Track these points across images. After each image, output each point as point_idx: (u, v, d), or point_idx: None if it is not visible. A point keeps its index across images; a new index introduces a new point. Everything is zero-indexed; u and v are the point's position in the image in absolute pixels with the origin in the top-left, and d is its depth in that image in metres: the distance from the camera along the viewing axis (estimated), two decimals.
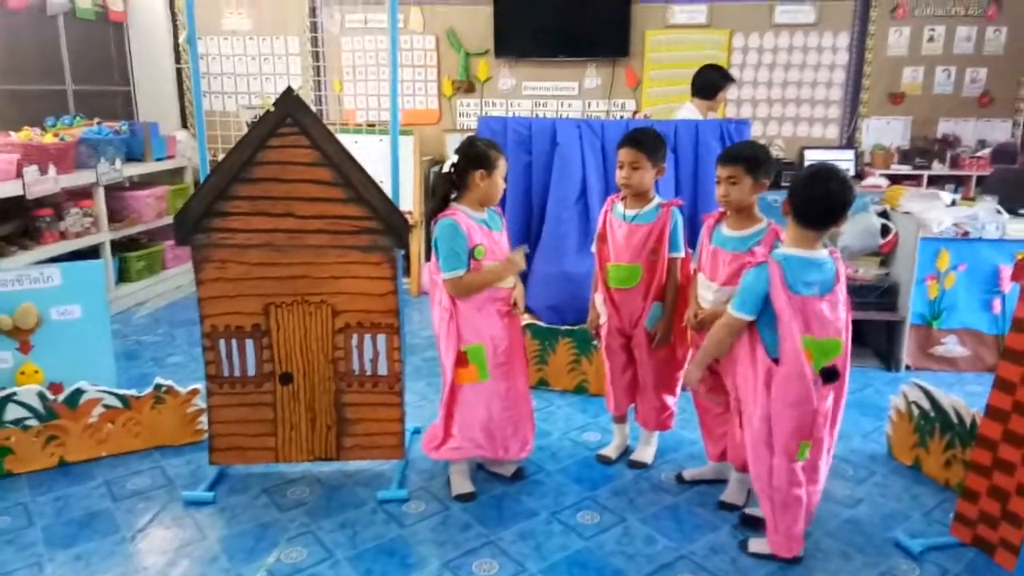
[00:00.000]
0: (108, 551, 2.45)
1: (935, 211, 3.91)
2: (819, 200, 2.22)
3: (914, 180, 5.46)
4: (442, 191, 2.70)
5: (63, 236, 4.61)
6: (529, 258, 4.09)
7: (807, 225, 2.25)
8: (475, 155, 2.64)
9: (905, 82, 5.79)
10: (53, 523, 2.60)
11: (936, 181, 5.51)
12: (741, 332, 2.33)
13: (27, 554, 2.43)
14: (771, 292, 2.20)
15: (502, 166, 2.68)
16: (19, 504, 2.71)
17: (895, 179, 5.30)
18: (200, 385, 2.96)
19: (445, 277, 2.61)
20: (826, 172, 2.27)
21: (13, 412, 2.85)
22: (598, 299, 2.96)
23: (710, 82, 4.34)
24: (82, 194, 4.80)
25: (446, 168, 2.69)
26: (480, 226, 2.65)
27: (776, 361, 2.25)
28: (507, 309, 2.73)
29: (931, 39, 5.67)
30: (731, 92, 4.95)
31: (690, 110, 4.35)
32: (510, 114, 6.06)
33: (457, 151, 2.69)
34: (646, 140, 2.76)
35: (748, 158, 2.52)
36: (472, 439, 2.73)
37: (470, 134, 3.36)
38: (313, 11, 6.05)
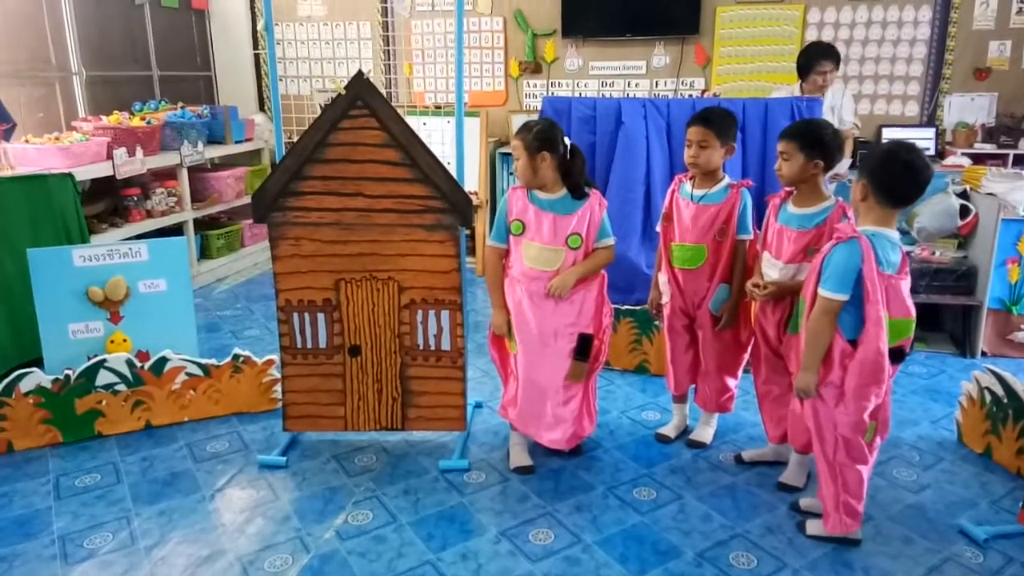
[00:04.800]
0: (189, 508, 2.62)
1: (1020, 192, 3.76)
2: (908, 176, 2.18)
3: (998, 159, 5.21)
4: None
5: (149, 214, 4.86)
6: None
7: (893, 203, 2.21)
8: None
9: (991, 56, 5.50)
10: (139, 481, 2.79)
11: (1022, 161, 5.25)
12: (837, 314, 2.21)
13: (116, 508, 2.62)
14: (863, 268, 2.14)
15: (516, 148, 2.65)
16: (109, 463, 2.91)
17: (978, 158, 5.07)
18: (275, 356, 3.11)
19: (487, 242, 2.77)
20: (906, 147, 2.22)
21: (104, 378, 3.05)
22: (661, 279, 2.95)
23: (799, 61, 4.29)
24: (167, 175, 5.05)
25: None
26: (533, 205, 2.67)
27: (851, 342, 2.21)
28: (542, 293, 2.65)
29: (1020, 11, 5.38)
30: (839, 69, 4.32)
31: (786, 91, 4.33)
32: (576, 95, 6.05)
33: None
34: (716, 118, 2.73)
35: (801, 134, 2.50)
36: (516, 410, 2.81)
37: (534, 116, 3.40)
38: None
